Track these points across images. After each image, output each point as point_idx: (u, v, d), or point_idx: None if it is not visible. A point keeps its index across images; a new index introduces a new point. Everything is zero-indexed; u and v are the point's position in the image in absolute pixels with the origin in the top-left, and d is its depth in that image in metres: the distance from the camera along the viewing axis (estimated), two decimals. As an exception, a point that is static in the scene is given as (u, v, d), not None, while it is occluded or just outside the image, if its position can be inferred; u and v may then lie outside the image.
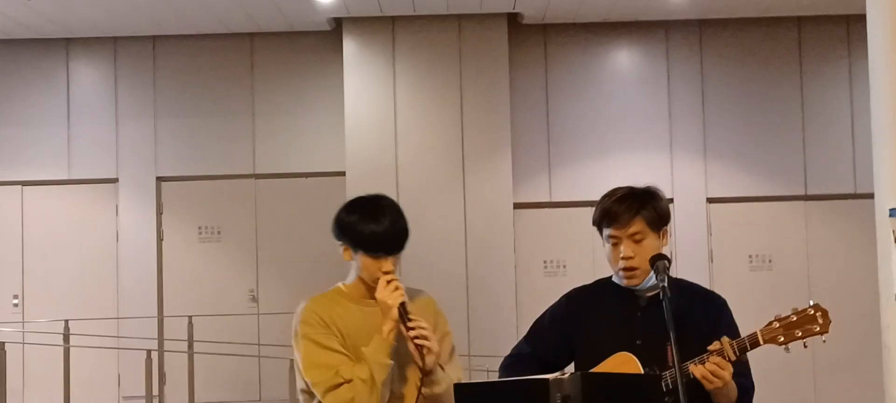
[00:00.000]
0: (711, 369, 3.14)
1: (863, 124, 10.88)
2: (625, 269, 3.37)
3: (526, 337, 3.61)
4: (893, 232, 4.81)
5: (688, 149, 10.87)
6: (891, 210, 4.85)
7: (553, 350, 3.52)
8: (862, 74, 10.87)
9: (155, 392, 9.66)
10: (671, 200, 10.25)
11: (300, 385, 3.36)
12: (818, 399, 10.73)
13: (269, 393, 11.00)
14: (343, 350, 3.24)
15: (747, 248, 10.86)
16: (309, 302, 3.34)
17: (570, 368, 3.45)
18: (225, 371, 10.75)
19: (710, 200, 10.80)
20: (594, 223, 3.47)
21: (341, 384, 3.17)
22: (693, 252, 10.44)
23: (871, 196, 10.68)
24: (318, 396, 3.24)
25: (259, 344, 10.90)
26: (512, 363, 3.57)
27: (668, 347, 3.15)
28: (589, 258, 10.64)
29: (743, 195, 10.89)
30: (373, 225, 3.22)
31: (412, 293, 3.39)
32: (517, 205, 10.64)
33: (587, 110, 10.96)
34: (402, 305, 3.20)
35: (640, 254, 3.35)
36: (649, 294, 3.39)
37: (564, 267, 10.82)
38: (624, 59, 11.08)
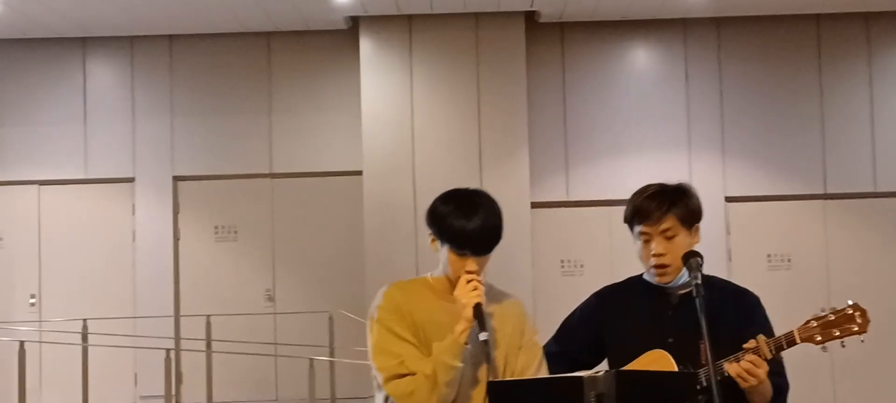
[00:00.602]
0: (747, 367, 3.11)
1: (882, 122, 10.83)
2: (656, 266, 3.33)
3: (555, 336, 3.59)
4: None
5: (706, 147, 10.81)
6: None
7: (582, 349, 3.50)
8: (882, 72, 10.86)
9: (172, 391, 9.65)
10: (689, 199, 10.15)
11: (374, 370, 3.26)
12: (837, 400, 10.66)
13: (285, 393, 10.98)
14: (414, 341, 3.16)
15: (766, 248, 10.81)
16: (391, 286, 3.27)
17: (602, 366, 3.42)
18: (241, 371, 10.73)
19: (729, 199, 10.75)
20: (625, 220, 3.44)
21: (405, 375, 3.10)
22: (711, 251, 10.30)
23: (890, 194, 10.72)
24: (381, 382, 3.17)
25: (275, 344, 10.88)
26: None
27: (701, 345, 3.12)
28: (606, 257, 10.60)
29: (761, 194, 10.83)
30: (464, 221, 3.13)
31: (499, 296, 3.34)
32: (534, 205, 10.59)
33: (605, 109, 10.91)
34: (478, 306, 3.09)
35: (671, 251, 3.31)
36: (681, 292, 3.36)
37: (582, 266, 10.78)
38: (642, 58, 11.03)
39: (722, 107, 10.90)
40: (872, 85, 10.89)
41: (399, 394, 3.11)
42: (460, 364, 3.09)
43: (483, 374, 3.14)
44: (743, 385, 3.13)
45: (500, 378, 3.13)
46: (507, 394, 2.87)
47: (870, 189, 10.83)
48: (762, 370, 3.11)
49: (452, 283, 3.19)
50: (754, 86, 10.91)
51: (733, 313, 3.35)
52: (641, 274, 3.49)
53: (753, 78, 10.92)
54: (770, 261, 10.80)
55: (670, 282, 3.35)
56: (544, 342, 3.64)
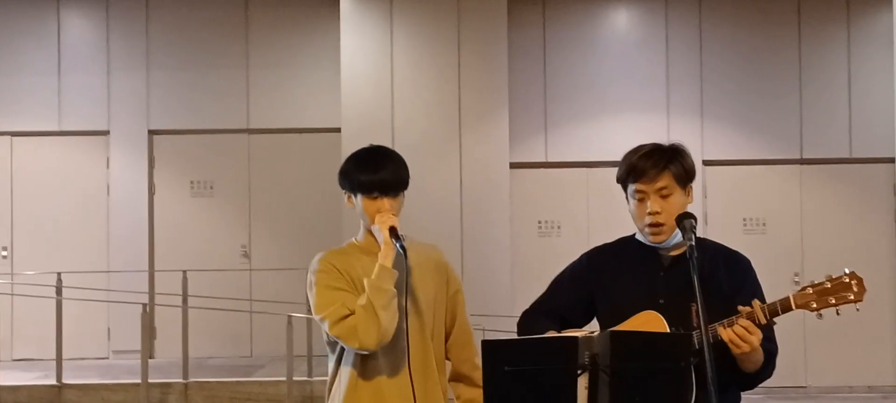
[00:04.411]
0: (740, 333, 3.08)
1: (859, 90, 10.89)
2: (651, 225, 3.30)
3: (546, 293, 3.56)
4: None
5: (685, 111, 10.84)
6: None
7: (571, 308, 3.47)
8: (860, 39, 10.90)
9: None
10: (667, 162, 10.19)
11: (324, 337, 3.41)
12: (809, 366, 10.78)
13: (260, 349, 10.98)
14: (352, 291, 3.36)
15: (742, 211, 10.87)
16: (325, 253, 3.48)
17: (591, 326, 3.41)
18: (216, 327, 10.71)
19: (706, 162, 10.78)
20: (618, 179, 3.40)
21: (347, 315, 3.29)
22: (688, 214, 10.40)
23: (865, 161, 10.79)
24: (328, 331, 3.35)
25: (250, 300, 10.86)
26: (529, 319, 3.53)
27: (693, 307, 3.11)
28: (583, 219, 10.64)
29: (739, 158, 10.88)
30: (369, 171, 3.39)
31: (417, 244, 3.53)
32: (513, 165, 10.57)
33: (585, 70, 10.90)
34: (393, 228, 3.33)
35: (667, 210, 3.28)
36: (672, 253, 3.34)
37: (559, 227, 10.80)
38: (623, 20, 11.01)
39: (701, 71, 10.91)
40: (850, 52, 10.93)
41: (345, 333, 3.29)
42: (393, 289, 3.29)
43: (410, 303, 3.41)
44: (735, 351, 3.09)
45: (432, 312, 3.47)
46: (502, 352, 2.86)
47: (845, 155, 10.90)
48: (755, 336, 3.08)
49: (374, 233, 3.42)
50: (734, 51, 10.93)
51: (724, 275, 3.32)
52: (632, 235, 3.47)
53: (733, 42, 10.93)
54: (745, 225, 10.86)
55: (664, 242, 3.32)
56: (531, 298, 3.65)
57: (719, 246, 3.47)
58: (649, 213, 3.29)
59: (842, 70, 10.93)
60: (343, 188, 3.47)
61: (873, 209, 10.89)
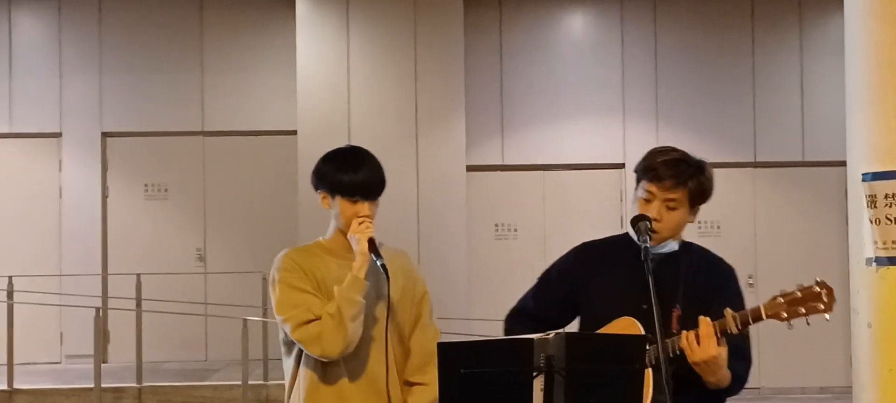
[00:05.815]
0: (690, 340, 3.09)
1: (811, 94, 11.03)
2: None
3: (532, 290, 3.55)
4: (866, 196, 4.83)
5: (640, 114, 10.89)
6: (863, 174, 4.88)
7: (556, 306, 3.45)
8: (812, 44, 11.04)
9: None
10: (622, 166, 10.31)
11: (281, 336, 3.35)
12: (761, 367, 10.86)
13: (214, 353, 10.90)
14: (317, 294, 3.29)
15: (697, 215, 10.94)
16: (288, 251, 3.40)
17: (572, 326, 3.40)
18: (170, 331, 10.61)
19: (661, 166, 10.86)
20: (636, 170, 3.40)
21: (311, 320, 3.23)
22: (643, 217, 10.46)
23: (817, 164, 10.92)
24: (289, 333, 3.28)
25: (205, 304, 10.77)
26: (514, 316, 3.53)
27: (674, 313, 3.12)
28: (540, 222, 10.66)
29: (693, 161, 10.96)
30: (352, 173, 3.32)
31: (388, 249, 3.45)
32: (470, 168, 10.58)
33: (541, 74, 10.93)
34: (371, 240, 3.27)
35: (666, 221, 3.29)
36: (660, 258, 3.31)
37: (515, 230, 10.81)
38: (578, 23, 11.06)
39: (656, 75, 10.99)
40: (803, 57, 11.06)
41: (308, 339, 3.23)
42: (363, 299, 3.24)
43: (381, 312, 3.35)
44: (690, 357, 3.09)
45: (396, 317, 3.41)
46: (457, 355, 2.85)
47: (798, 158, 11.02)
48: (711, 346, 3.07)
49: (347, 239, 3.34)
50: (689, 55, 11.02)
51: (705, 280, 3.32)
52: (624, 234, 3.44)
53: (688, 47, 11.03)
54: (700, 228, 10.92)
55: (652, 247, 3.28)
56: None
57: (705, 251, 3.48)
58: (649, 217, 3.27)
59: (794, 75, 11.06)
60: (318, 188, 3.39)
61: (825, 212, 11.02)
